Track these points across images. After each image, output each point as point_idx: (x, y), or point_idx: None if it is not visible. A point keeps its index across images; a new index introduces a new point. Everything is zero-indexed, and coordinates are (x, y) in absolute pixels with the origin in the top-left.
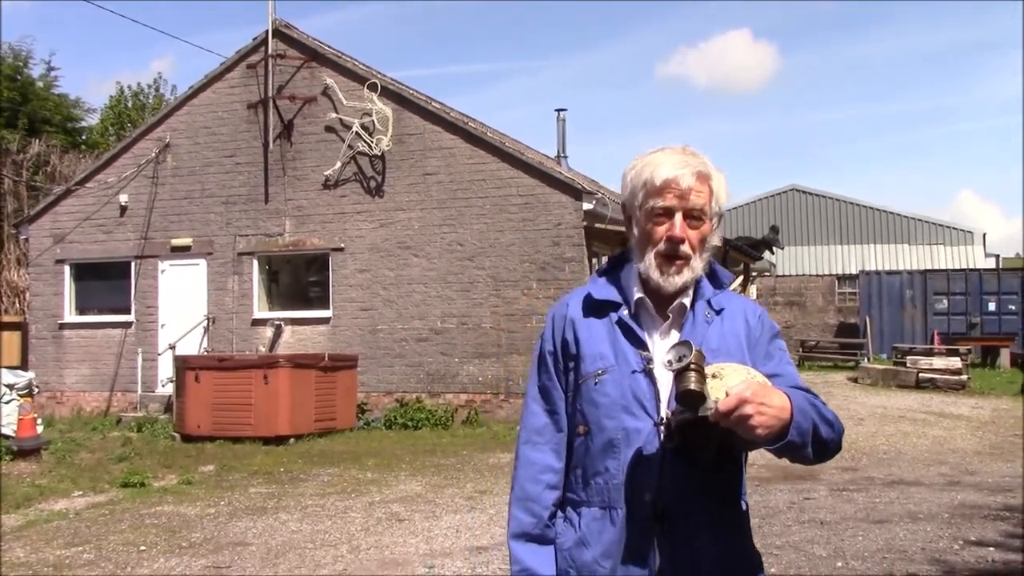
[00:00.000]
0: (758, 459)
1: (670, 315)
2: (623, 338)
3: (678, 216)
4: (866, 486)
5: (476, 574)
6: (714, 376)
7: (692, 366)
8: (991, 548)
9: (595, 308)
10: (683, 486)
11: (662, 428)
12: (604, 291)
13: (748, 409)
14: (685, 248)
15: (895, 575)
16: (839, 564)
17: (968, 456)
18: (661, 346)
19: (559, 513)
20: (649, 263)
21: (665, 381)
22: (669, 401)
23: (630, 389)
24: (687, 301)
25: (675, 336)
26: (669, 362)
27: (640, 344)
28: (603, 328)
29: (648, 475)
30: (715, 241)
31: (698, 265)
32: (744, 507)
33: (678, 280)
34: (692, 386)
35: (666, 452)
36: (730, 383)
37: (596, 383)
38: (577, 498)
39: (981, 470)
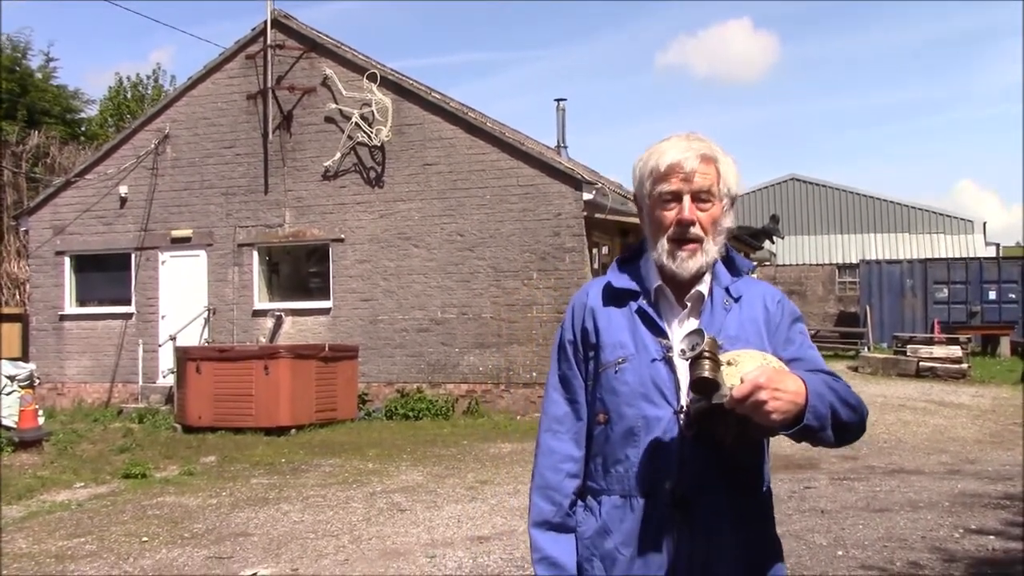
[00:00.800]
0: None
1: (688, 303)
2: (643, 327)
3: (686, 199)
4: (866, 475)
5: (478, 564)
6: (729, 363)
7: (706, 354)
8: (991, 536)
9: (615, 297)
10: (703, 473)
11: (681, 416)
12: (623, 280)
13: (763, 395)
14: (696, 230)
15: (896, 564)
16: (840, 553)
17: (968, 444)
18: (680, 334)
19: (580, 502)
20: (662, 250)
21: (685, 369)
22: (688, 389)
23: (650, 377)
24: (704, 289)
25: (694, 324)
26: (683, 351)
27: (660, 332)
28: (623, 317)
29: (668, 463)
30: (727, 223)
31: (712, 248)
32: (767, 494)
33: (692, 265)
34: (706, 373)
35: (686, 440)
36: (744, 369)
37: (616, 371)
38: (598, 486)
39: (981, 458)
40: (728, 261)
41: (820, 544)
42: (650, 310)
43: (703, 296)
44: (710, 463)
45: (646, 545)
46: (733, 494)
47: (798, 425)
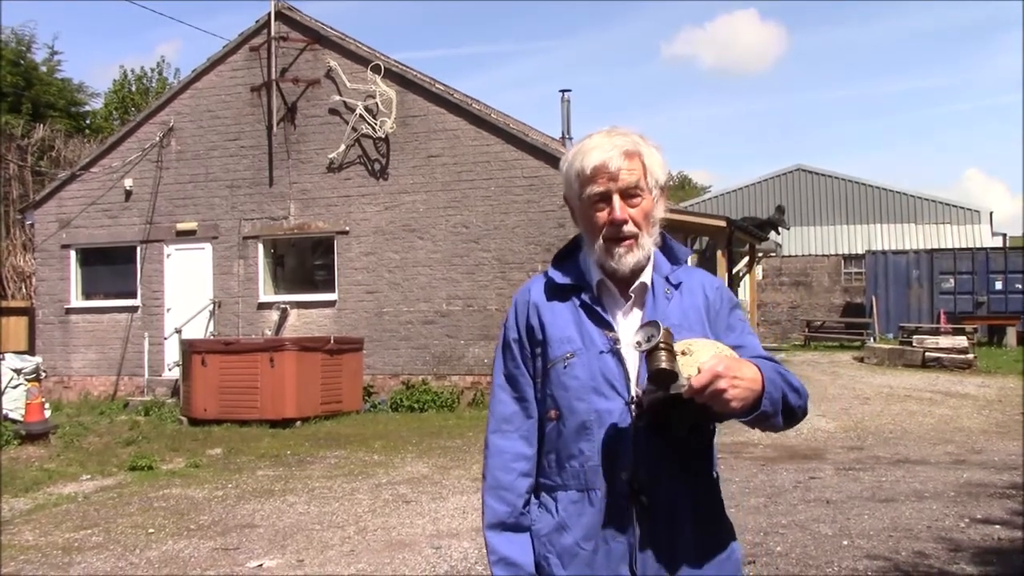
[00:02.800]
0: (763, 439)
1: (632, 295)
2: (588, 320)
3: (616, 199)
4: (872, 465)
5: (483, 555)
6: (684, 353)
7: (661, 345)
8: (997, 526)
9: (558, 292)
10: (658, 462)
11: (633, 407)
12: (565, 276)
13: (722, 384)
14: (629, 228)
15: (901, 553)
16: (845, 543)
17: (974, 435)
18: (625, 326)
19: (533, 500)
20: (600, 250)
21: (633, 360)
22: (639, 380)
23: (599, 370)
24: (647, 279)
25: (638, 315)
26: (638, 343)
27: (605, 325)
28: (567, 312)
29: (623, 454)
30: (660, 214)
31: (647, 242)
32: (716, 478)
33: (630, 259)
34: (664, 365)
35: (639, 430)
36: (701, 359)
37: (565, 367)
38: (552, 483)
39: (987, 449)
40: (666, 249)
41: (825, 534)
42: (594, 304)
43: (647, 287)
44: (663, 452)
45: (606, 538)
46: (687, 479)
47: (755, 411)
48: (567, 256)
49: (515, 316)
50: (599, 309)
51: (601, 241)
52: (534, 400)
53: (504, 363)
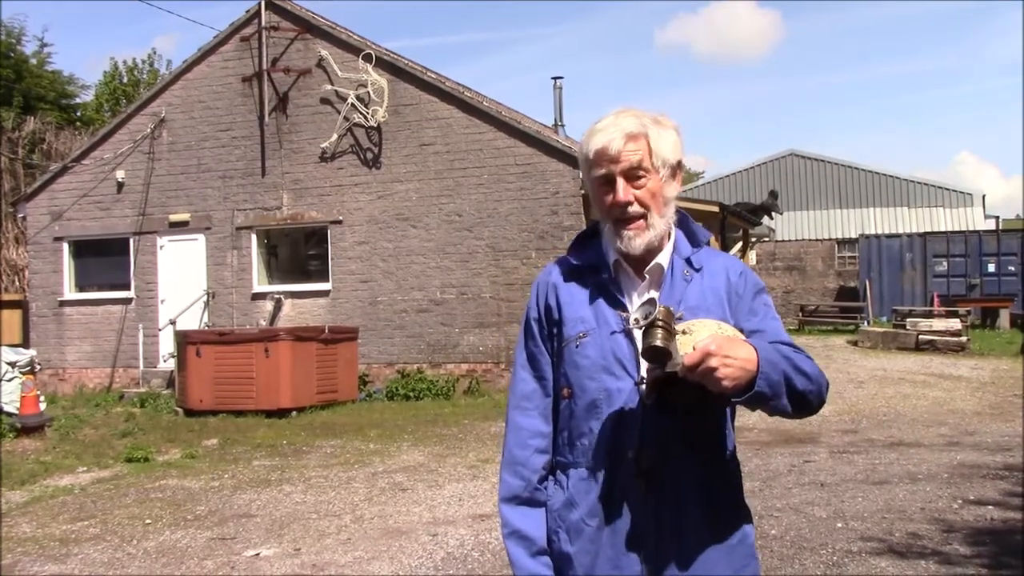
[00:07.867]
0: (759, 423)
1: (647, 276)
2: (603, 300)
3: (619, 181)
4: (866, 448)
5: (479, 541)
6: (684, 332)
7: (658, 323)
8: (990, 507)
9: (576, 273)
10: (666, 442)
11: (642, 387)
12: (582, 256)
13: (713, 362)
14: (634, 208)
15: (895, 534)
16: (839, 525)
17: (967, 417)
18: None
19: (551, 476)
20: (609, 232)
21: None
22: (642, 358)
23: (610, 350)
24: (663, 260)
25: (655, 296)
26: (636, 320)
27: (619, 305)
28: (584, 292)
29: (630, 433)
30: (671, 192)
31: (659, 222)
32: (733, 459)
33: (640, 242)
34: (657, 342)
35: (648, 410)
36: (698, 338)
37: (577, 346)
38: (565, 460)
39: (980, 430)
40: (688, 232)
41: (820, 516)
42: (609, 284)
43: (662, 268)
44: (673, 431)
45: (611, 515)
46: (697, 460)
47: (749, 392)
48: (589, 237)
49: (536, 297)
50: (613, 289)
51: (611, 224)
52: (553, 379)
53: (525, 342)
